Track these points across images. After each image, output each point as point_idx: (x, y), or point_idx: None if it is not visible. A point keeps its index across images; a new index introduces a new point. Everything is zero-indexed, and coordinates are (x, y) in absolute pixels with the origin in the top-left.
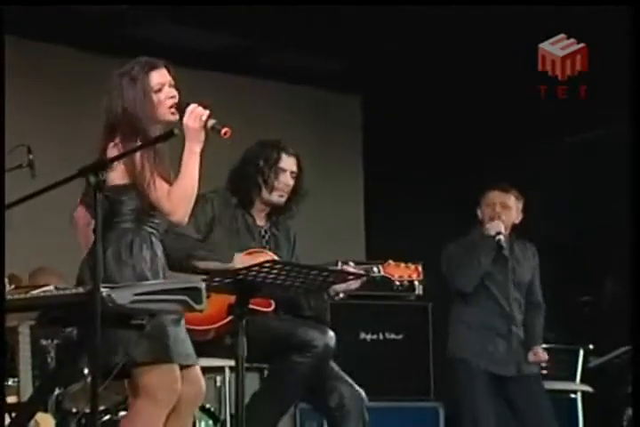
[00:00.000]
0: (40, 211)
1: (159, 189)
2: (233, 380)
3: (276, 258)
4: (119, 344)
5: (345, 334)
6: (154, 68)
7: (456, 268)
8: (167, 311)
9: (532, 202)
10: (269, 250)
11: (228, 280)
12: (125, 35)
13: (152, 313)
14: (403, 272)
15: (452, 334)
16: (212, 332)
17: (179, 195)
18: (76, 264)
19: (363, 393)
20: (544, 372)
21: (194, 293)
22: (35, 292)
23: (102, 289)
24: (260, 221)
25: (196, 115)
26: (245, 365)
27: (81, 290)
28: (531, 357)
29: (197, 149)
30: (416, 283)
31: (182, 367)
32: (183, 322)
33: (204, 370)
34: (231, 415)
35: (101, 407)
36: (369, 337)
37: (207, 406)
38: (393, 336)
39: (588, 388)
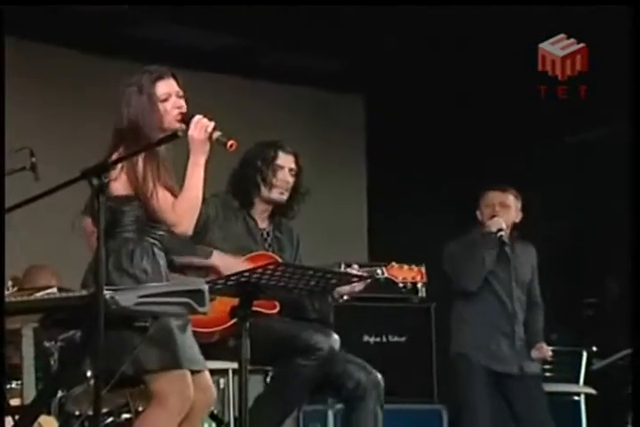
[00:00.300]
0: (41, 212)
1: (162, 200)
2: (236, 382)
3: (279, 260)
4: (123, 348)
5: (348, 336)
6: (160, 77)
7: (459, 266)
8: (171, 314)
9: (532, 202)
10: (272, 252)
11: (231, 282)
12: (125, 35)
13: (155, 315)
14: (406, 274)
15: (455, 331)
16: (216, 334)
17: (183, 206)
18: (77, 265)
19: (379, 376)
20: (547, 374)
21: (197, 295)
22: (38, 294)
23: (106, 291)
24: (263, 224)
25: (201, 126)
26: (249, 367)
27: (84, 292)
28: (534, 353)
29: (202, 160)
30: (419, 285)
31: (192, 373)
32: (190, 328)
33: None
34: (235, 418)
35: (104, 410)
36: (372, 340)
37: (211, 408)
38: (396, 339)
39: (591, 390)
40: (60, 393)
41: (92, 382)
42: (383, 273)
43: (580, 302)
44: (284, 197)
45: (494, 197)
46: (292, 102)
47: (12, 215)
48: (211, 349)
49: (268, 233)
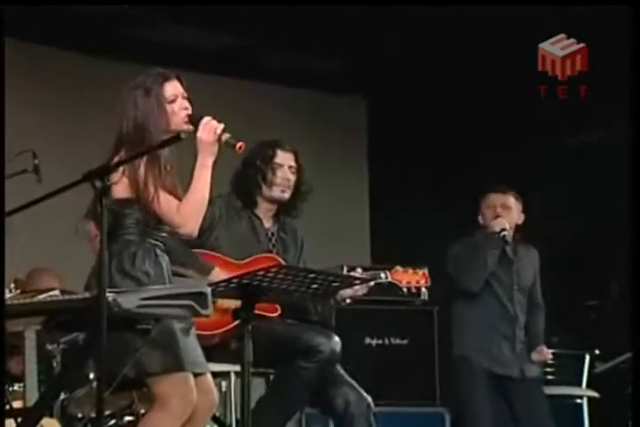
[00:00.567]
0: (42, 215)
1: (164, 204)
2: (239, 385)
3: (282, 262)
4: (126, 351)
5: (350, 339)
6: (167, 79)
7: (462, 267)
8: (173, 316)
9: (532, 202)
10: (277, 253)
11: (233, 285)
12: (125, 36)
13: (158, 318)
14: (410, 278)
15: (456, 334)
16: (217, 337)
17: (189, 208)
18: (79, 268)
19: (369, 399)
20: (550, 377)
21: (200, 298)
22: (41, 296)
23: (108, 294)
24: (267, 223)
25: (210, 128)
26: (251, 370)
27: (87, 295)
28: (535, 356)
29: (209, 162)
30: (424, 289)
31: (195, 376)
32: (194, 331)
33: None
34: (237, 421)
35: (107, 412)
36: (374, 342)
37: (213, 411)
38: (398, 341)
39: (593, 393)
40: (62, 396)
41: (94, 384)
42: (387, 277)
43: (582, 305)
44: (286, 195)
45: (495, 198)
46: (293, 103)
47: (13, 218)
48: (213, 351)
49: (272, 233)
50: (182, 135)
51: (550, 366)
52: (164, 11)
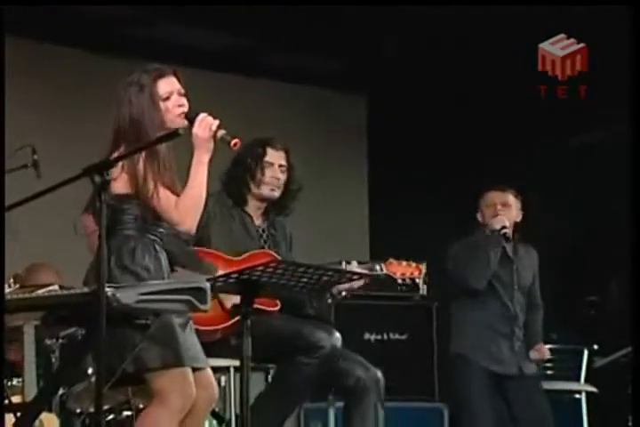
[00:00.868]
0: (41, 211)
1: (164, 200)
2: (238, 380)
3: (278, 258)
4: (124, 346)
5: (349, 334)
6: (162, 75)
7: (464, 266)
8: (172, 311)
9: (532, 202)
10: (268, 249)
11: (232, 280)
12: (126, 34)
13: (157, 313)
14: (405, 270)
15: (455, 332)
16: (218, 333)
17: (187, 205)
18: (77, 264)
19: (379, 373)
20: (549, 372)
21: (198, 293)
22: (40, 291)
23: (107, 289)
24: (258, 220)
25: (205, 124)
26: (250, 365)
27: (86, 290)
28: (534, 354)
29: (206, 159)
30: (420, 282)
31: (194, 371)
32: (192, 325)
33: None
34: (236, 416)
35: (105, 407)
36: (373, 337)
37: (213, 406)
38: (397, 336)
39: (592, 388)
40: (61, 391)
41: (93, 379)
42: (382, 269)
43: (581, 301)
44: (276, 193)
45: (494, 196)
46: (293, 102)
47: (12, 214)
48: (212, 346)
49: (263, 230)
50: (180, 131)
51: (549, 361)
52: (165, 10)
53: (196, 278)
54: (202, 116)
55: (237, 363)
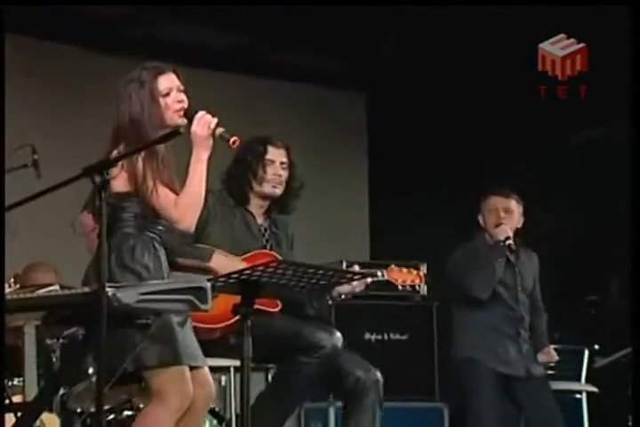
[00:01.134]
0: (41, 211)
1: (163, 198)
2: (238, 380)
3: (280, 258)
4: (125, 346)
5: (350, 334)
6: (161, 72)
7: (468, 276)
8: (173, 311)
9: (532, 202)
10: (270, 248)
11: (232, 280)
12: (127, 34)
13: (157, 313)
14: (406, 277)
15: (459, 336)
16: (217, 331)
17: (186, 203)
18: (77, 264)
19: (378, 374)
20: (550, 372)
21: (199, 292)
22: (40, 291)
23: (108, 288)
24: (260, 219)
25: (204, 122)
26: (251, 365)
27: (87, 290)
28: (542, 357)
29: (205, 156)
30: (419, 287)
31: (191, 369)
32: (190, 324)
33: (209, 370)
34: (236, 416)
35: (106, 407)
36: (373, 337)
37: (212, 406)
38: (398, 337)
39: (593, 388)
40: (62, 390)
41: (93, 379)
42: (383, 275)
43: (582, 301)
44: (278, 190)
45: (497, 202)
46: (294, 101)
47: (12, 213)
48: (212, 346)
49: (265, 229)
50: (181, 130)
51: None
52: (166, 10)
53: (196, 278)
54: (200, 113)
55: (238, 363)
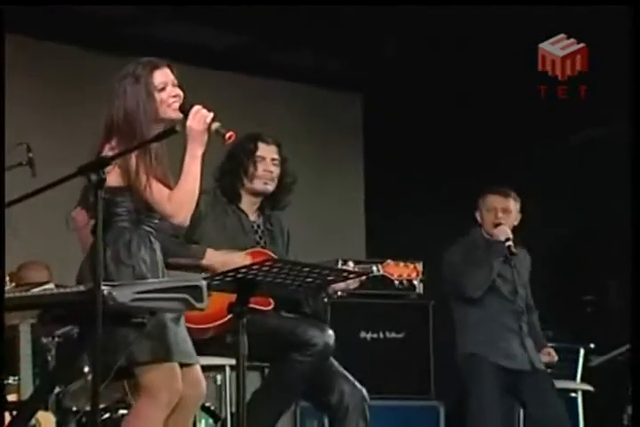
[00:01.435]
0: (38, 210)
1: (156, 193)
2: (233, 378)
3: (275, 257)
4: (120, 344)
5: (345, 332)
6: (156, 67)
7: (463, 274)
8: (168, 310)
9: (532, 202)
10: (264, 245)
11: (228, 279)
12: (126, 33)
13: (153, 311)
14: (402, 271)
15: (461, 332)
16: (210, 331)
17: (180, 198)
18: (74, 264)
19: (364, 391)
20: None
21: (195, 291)
22: (36, 290)
23: (103, 287)
24: (253, 216)
25: (200, 117)
26: (246, 363)
27: (82, 288)
28: (544, 358)
29: (199, 152)
30: (416, 282)
31: (183, 366)
32: (183, 321)
33: (205, 369)
34: (232, 414)
35: (101, 406)
36: (369, 336)
37: (207, 404)
38: (393, 335)
39: (588, 387)
40: (57, 389)
41: (89, 377)
42: (379, 270)
43: (578, 300)
44: (269, 187)
45: (496, 201)
46: (292, 100)
47: (10, 211)
48: (208, 345)
49: (258, 226)
50: (177, 128)
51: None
52: (165, 9)
53: (192, 277)
54: (196, 108)
55: (233, 362)
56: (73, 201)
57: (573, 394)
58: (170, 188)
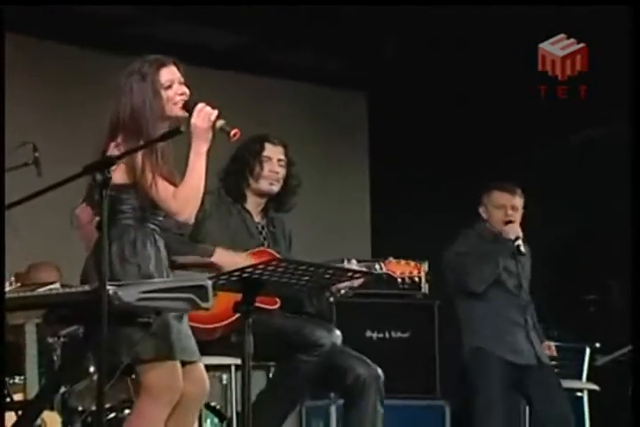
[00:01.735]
0: (39, 209)
1: (162, 191)
2: (239, 378)
3: (279, 256)
4: (124, 342)
5: (351, 332)
6: (163, 65)
7: (467, 267)
8: (174, 309)
9: (532, 202)
10: (268, 246)
11: (234, 278)
12: (127, 33)
13: (158, 311)
14: (404, 269)
15: (466, 326)
16: (218, 331)
17: (185, 195)
18: (77, 263)
19: (379, 370)
20: None
21: (200, 290)
22: (41, 290)
23: (109, 287)
24: (257, 217)
25: (204, 114)
26: (251, 363)
27: (87, 288)
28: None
29: (204, 149)
30: (421, 281)
31: (185, 364)
32: (186, 319)
33: (210, 368)
34: (237, 414)
35: (106, 405)
36: (375, 335)
37: (213, 404)
38: (399, 335)
39: (594, 386)
40: (62, 389)
41: (94, 377)
42: (381, 268)
43: (582, 299)
44: (275, 187)
45: (504, 199)
46: (295, 100)
47: (12, 213)
48: (213, 344)
49: (262, 227)
50: (182, 128)
51: (551, 359)
52: (166, 9)
53: (198, 276)
54: (201, 105)
55: (239, 361)
56: (74, 201)
57: (579, 394)
58: (175, 186)
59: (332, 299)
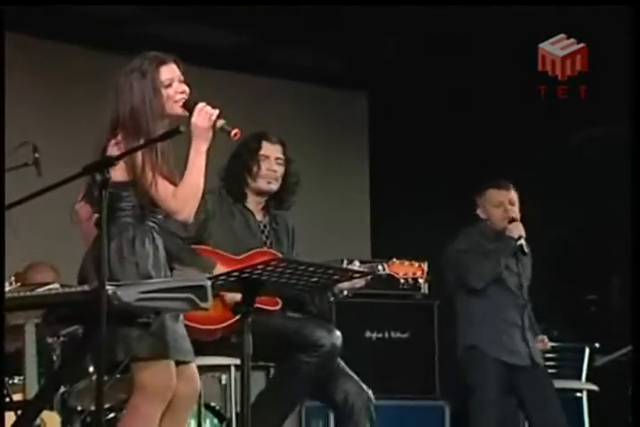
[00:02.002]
0: (39, 209)
1: (162, 190)
2: (238, 378)
3: (280, 256)
4: (120, 341)
5: (351, 332)
6: (163, 62)
7: (467, 264)
8: (173, 309)
9: (532, 202)
10: (271, 245)
11: (233, 279)
12: (128, 32)
13: (157, 311)
14: (407, 270)
15: (464, 324)
16: (219, 332)
17: (185, 194)
18: (77, 263)
19: (370, 392)
20: (550, 370)
21: (200, 290)
22: (41, 290)
23: (108, 287)
24: (259, 216)
25: (205, 114)
26: (251, 363)
27: (86, 288)
28: (537, 345)
29: (204, 148)
30: (421, 281)
31: (179, 364)
32: (182, 318)
33: (210, 368)
34: (237, 414)
35: (106, 405)
36: (375, 336)
37: (213, 404)
38: (399, 335)
39: (593, 387)
40: (62, 389)
41: (94, 377)
42: (384, 269)
43: (582, 299)
44: (273, 186)
45: (501, 195)
46: (295, 100)
47: (12, 212)
48: (213, 345)
49: (264, 225)
50: (181, 128)
51: (550, 359)
52: (166, 9)
53: (197, 276)
54: (201, 105)
55: (238, 361)
56: (73, 201)
57: (578, 394)
58: (175, 185)
59: (332, 299)
